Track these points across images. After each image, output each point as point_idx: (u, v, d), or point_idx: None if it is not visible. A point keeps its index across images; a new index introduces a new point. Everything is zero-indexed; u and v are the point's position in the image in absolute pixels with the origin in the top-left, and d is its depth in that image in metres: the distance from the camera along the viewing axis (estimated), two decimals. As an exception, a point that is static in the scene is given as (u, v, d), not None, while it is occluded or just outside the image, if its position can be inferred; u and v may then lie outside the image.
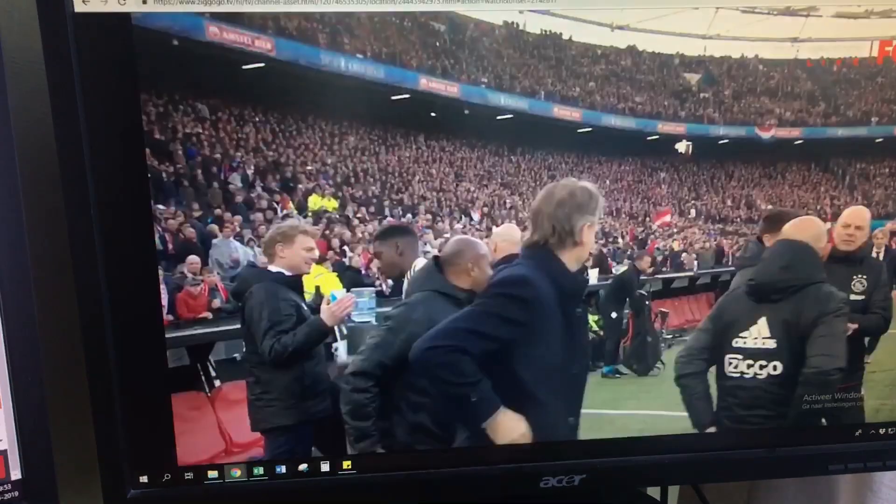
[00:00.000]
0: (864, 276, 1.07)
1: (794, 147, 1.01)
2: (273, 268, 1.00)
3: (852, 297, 1.07)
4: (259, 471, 1.02)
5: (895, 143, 1.00)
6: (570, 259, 0.98)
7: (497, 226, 1.06)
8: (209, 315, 1.00)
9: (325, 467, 1.03)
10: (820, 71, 0.96)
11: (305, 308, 1.02)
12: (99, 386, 0.92)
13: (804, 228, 1.03)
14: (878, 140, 1.01)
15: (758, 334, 1.07)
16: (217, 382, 1.04)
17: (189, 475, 1.00)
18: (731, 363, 1.08)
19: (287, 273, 1.00)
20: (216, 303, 0.99)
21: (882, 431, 1.09)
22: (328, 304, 1.01)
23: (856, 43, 0.94)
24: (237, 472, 1.01)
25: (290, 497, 1.04)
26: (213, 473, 1.00)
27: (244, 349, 1.02)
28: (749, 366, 1.07)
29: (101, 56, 0.83)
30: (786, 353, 1.05)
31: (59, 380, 0.92)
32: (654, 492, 1.36)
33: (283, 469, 1.02)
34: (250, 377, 1.03)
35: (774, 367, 1.05)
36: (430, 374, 0.98)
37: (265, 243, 0.98)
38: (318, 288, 1.03)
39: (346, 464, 1.03)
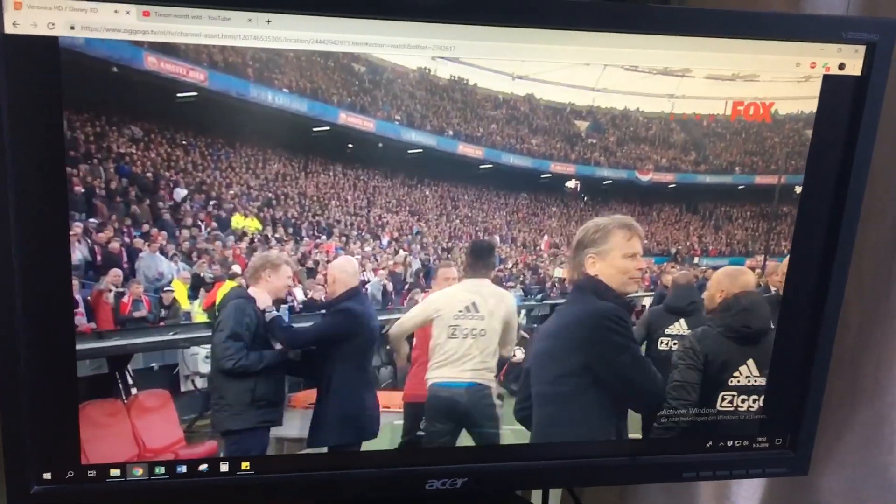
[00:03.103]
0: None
1: (669, 190, 1.14)
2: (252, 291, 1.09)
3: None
4: (160, 470, 1.06)
5: (755, 190, 1.15)
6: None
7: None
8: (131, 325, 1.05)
9: (224, 468, 1.09)
10: (692, 124, 1.09)
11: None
12: (8, 387, 0.96)
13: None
14: (740, 187, 1.15)
15: (749, 373, 1.21)
16: (134, 390, 1.08)
17: (92, 473, 1.04)
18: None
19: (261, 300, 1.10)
20: (140, 313, 1.04)
21: (729, 444, 1.23)
22: None
23: (721, 101, 1.08)
24: (139, 471, 1.06)
25: (190, 496, 1.08)
26: (115, 472, 1.05)
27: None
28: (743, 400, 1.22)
29: (30, 77, 0.89)
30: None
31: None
32: (537, 495, 1.47)
33: (184, 469, 1.07)
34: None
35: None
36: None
37: (253, 268, 1.07)
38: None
39: (245, 465, 1.09)
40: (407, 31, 0.96)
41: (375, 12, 0.95)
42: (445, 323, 1.18)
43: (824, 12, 1.29)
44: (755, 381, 1.21)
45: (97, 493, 1.05)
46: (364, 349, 1.17)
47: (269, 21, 0.93)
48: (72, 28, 0.88)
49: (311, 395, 1.15)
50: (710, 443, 1.22)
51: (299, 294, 1.12)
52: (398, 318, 1.17)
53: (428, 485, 1.14)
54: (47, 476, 1.02)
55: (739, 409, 1.22)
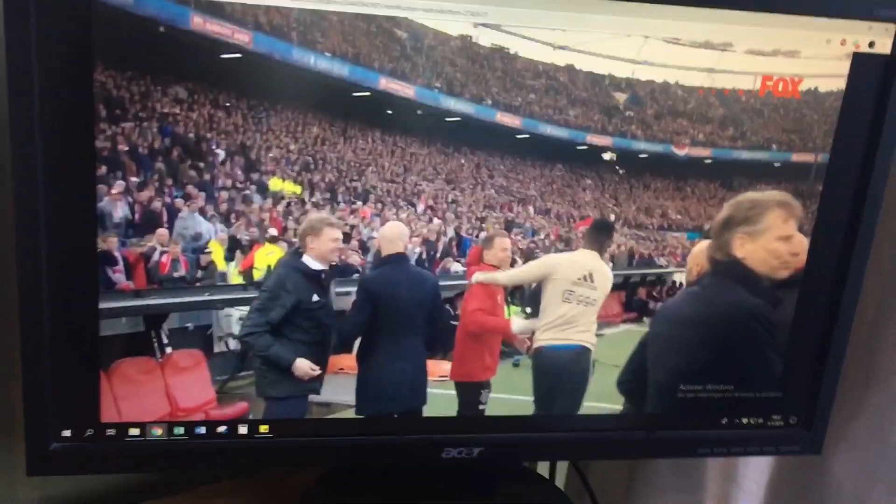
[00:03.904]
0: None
1: (705, 165, 1.13)
2: (304, 258, 1.09)
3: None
4: (179, 430, 1.07)
5: (791, 167, 1.14)
6: None
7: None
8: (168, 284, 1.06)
9: (243, 430, 1.10)
10: (726, 98, 1.09)
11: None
12: (30, 344, 0.96)
13: None
14: (776, 164, 1.14)
15: None
16: (168, 350, 1.10)
17: (111, 432, 1.04)
18: None
19: (314, 266, 1.10)
20: (178, 273, 1.05)
21: (744, 421, 1.23)
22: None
23: (752, 76, 1.07)
24: (158, 431, 1.06)
25: (209, 456, 1.10)
26: (134, 431, 1.05)
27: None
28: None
29: (61, 31, 0.87)
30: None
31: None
32: (543, 468, 1.48)
33: (203, 430, 1.08)
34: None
35: None
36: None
37: (299, 236, 1.08)
38: (269, 266, 1.10)
39: (263, 428, 1.10)
40: (449, -4, 0.96)
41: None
42: (561, 287, 1.18)
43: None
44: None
45: (116, 451, 1.06)
46: (407, 316, 1.18)
47: (312, -18, 0.92)
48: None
49: (340, 360, 1.16)
50: (726, 419, 1.23)
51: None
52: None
53: (444, 453, 1.15)
54: (66, 433, 1.02)
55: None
